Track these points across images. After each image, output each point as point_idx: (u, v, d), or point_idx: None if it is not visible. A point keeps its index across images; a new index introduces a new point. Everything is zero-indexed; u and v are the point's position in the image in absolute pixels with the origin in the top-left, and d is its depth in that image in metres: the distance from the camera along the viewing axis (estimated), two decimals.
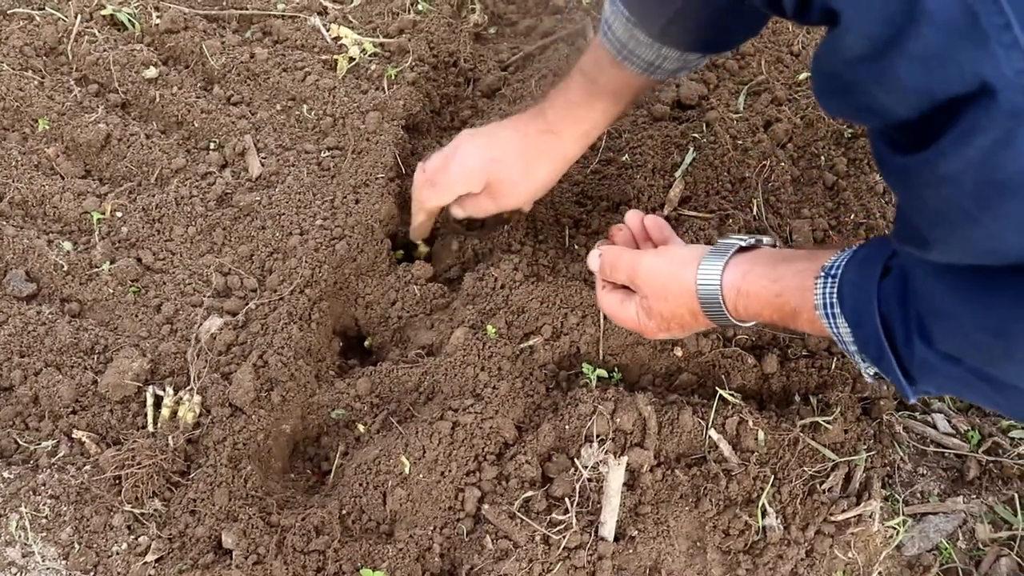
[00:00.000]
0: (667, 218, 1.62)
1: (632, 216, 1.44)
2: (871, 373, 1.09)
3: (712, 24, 1.27)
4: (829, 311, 1.08)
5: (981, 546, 1.35)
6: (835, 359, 1.47)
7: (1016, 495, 1.38)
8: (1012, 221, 0.79)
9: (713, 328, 1.38)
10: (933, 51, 0.76)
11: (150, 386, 1.42)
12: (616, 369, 1.50)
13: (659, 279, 1.29)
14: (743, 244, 1.23)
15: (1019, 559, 1.33)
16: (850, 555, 1.32)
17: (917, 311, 0.96)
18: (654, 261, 1.30)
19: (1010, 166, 0.76)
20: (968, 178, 0.80)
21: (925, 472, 1.41)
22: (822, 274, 1.10)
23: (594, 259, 1.38)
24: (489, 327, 1.47)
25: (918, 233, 0.89)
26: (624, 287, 1.35)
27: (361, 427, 1.44)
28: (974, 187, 0.80)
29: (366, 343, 1.58)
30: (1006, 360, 0.90)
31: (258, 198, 1.58)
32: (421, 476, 1.35)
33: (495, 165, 1.47)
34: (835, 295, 1.08)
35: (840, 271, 1.07)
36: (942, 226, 0.87)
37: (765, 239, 1.26)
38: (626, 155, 1.71)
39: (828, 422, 1.39)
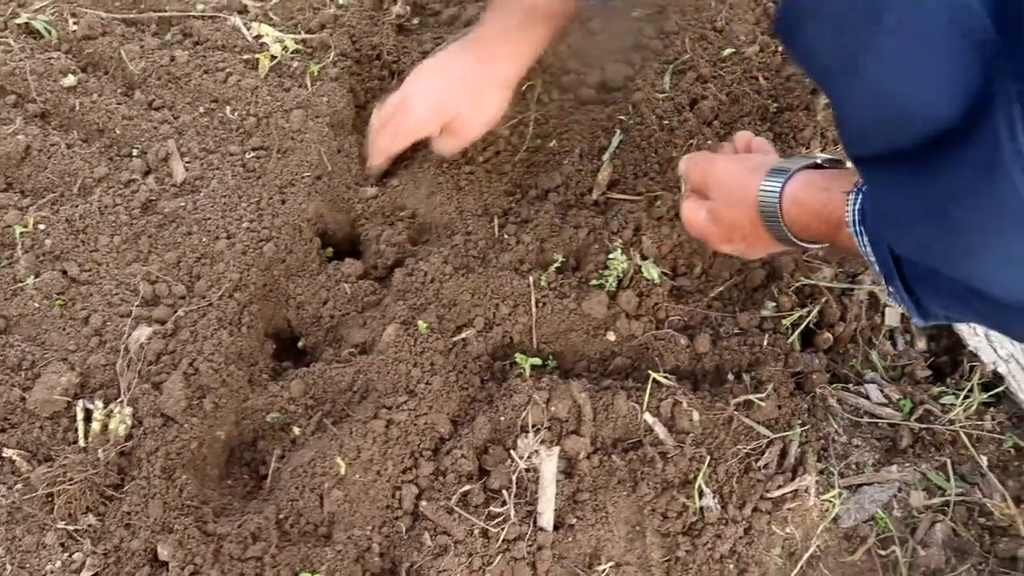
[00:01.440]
0: (595, 203, 1.63)
1: (740, 135, 1.45)
2: (898, 300, 1.04)
3: None
4: (856, 228, 1.05)
5: (916, 514, 1.36)
6: (766, 335, 1.47)
7: (948, 461, 1.39)
8: (888, 58, 0.77)
9: (774, 252, 1.37)
10: None
11: (80, 400, 1.40)
12: (551, 357, 1.50)
13: (728, 183, 1.30)
14: (817, 161, 1.22)
15: (953, 524, 1.35)
16: (788, 530, 1.33)
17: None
18: (727, 165, 1.32)
19: None
20: (836, 8, 0.79)
21: (859, 443, 1.41)
22: (854, 188, 1.06)
23: (682, 163, 1.39)
24: (420, 322, 1.47)
25: (838, 121, 0.88)
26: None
27: (296, 429, 1.43)
28: (845, 19, 0.78)
29: (300, 344, 1.57)
30: (965, 257, 0.84)
31: (183, 203, 1.56)
32: (357, 476, 1.34)
33: (448, 104, 1.55)
34: (860, 211, 1.05)
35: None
36: (831, 86, 0.86)
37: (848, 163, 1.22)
38: (553, 141, 1.70)
39: (761, 399, 1.40)
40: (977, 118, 0.74)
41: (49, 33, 1.76)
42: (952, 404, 1.42)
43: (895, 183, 0.87)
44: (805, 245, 1.24)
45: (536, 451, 1.35)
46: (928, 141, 0.79)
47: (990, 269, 0.84)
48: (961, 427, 1.40)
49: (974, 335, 1.46)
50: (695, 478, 1.34)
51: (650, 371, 1.43)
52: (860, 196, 1.06)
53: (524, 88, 1.76)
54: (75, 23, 1.77)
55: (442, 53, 1.61)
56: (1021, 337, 1.23)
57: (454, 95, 1.55)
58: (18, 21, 1.76)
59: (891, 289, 1.03)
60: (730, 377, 1.46)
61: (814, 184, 1.18)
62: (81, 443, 1.38)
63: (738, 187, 1.27)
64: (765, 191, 1.21)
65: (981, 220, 0.78)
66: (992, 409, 1.43)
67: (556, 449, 1.35)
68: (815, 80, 0.89)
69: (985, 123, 0.73)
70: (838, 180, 1.15)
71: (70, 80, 1.69)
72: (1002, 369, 1.43)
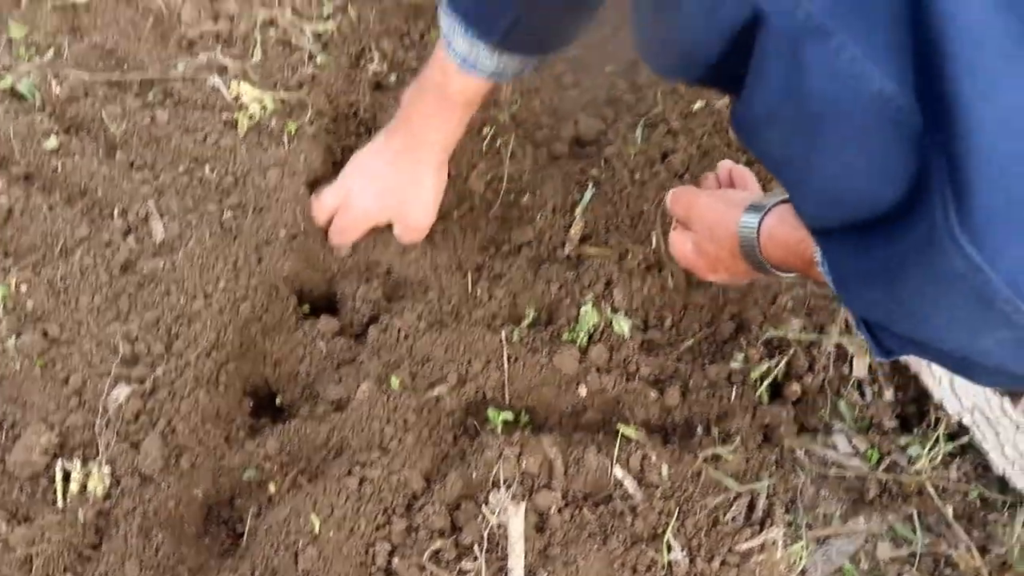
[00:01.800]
0: (568, 257, 1.65)
1: (722, 164, 1.51)
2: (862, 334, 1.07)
3: (548, 28, 1.36)
4: (825, 267, 1.07)
5: (883, 566, 1.38)
6: (734, 388, 1.50)
7: (915, 511, 1.41)
8: (832, 149, 0.81)
9: (758, 278, 1.41)
10: None
11: (59, 460, 1.43)
12: (524, 411, 1.52)
13: (709, 219, 1.35)
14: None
15: (920, 575, 1.37)
16: None
17: None
18: (708, 201, 1.37)
19: (812, 91, 0.78)
20: (784, 115, 0.82)
21: (827, 494, 1.43)
22: None
23: (668, 196, 1.44)
24: (393, 379, 1.49)
25: (792, 202, 0.94)
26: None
27: (272, 487, 1.46)
28: (792, 124, 0.82)
29: (278, 401, 1.60)
30: (911, 319, 0.90)
31: (161, 263, 1.59)
32: (331, 534, 1.36)
33: (387, 193, 1.64)
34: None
35: None
36: (787, 181, 0.91)
37: None
38: (527, 196, 1.73)
39: (729, 452, 1.42)
40: (919, 196, 0.78)
41: (33, 96, 1.79)
42: (918, 455, 1.45)
43: (845, 251, 0.91)
44: (783, 276, 1.30)
45: (505, 509, 1.37)
46: (875, 218, 0.84)
47: (934, 330, 0.89)
48: (927, 477, 1.43)
49: (939, 386, 1.48)
50: (664, 532, 1.36)
51: (620, 425, 1.45)
52: None
53: (498, 144, 1.80)
54: (59, 85, 1.81)
55: (373, 144, 1.68)
56: (979, 383, 1.26)
57: (392, 185, 1.64)
58: (3, 85, 1.79)
59: (863, 332, 1.06)
60: (699, 430, 1.48)
61: (788, 221, 1.23)
62: (59, 504, 1.40)
63: (719, 223, 1.32)
64: (744, 227, 1.27)
65: (923, 289, 0.83)
66: (958, 459, 1.45)
67: (523, 505, 1.36)
68: (770, 171, 0.94)
69: (925, 201, 0.77)
70: None
71: (53, 142, 1.72)
72: (967, 420, 1.45)
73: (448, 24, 1.39)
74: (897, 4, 0.72)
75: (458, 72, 1.45)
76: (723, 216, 1.31)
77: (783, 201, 1.26)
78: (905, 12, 0.72)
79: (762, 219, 1.25)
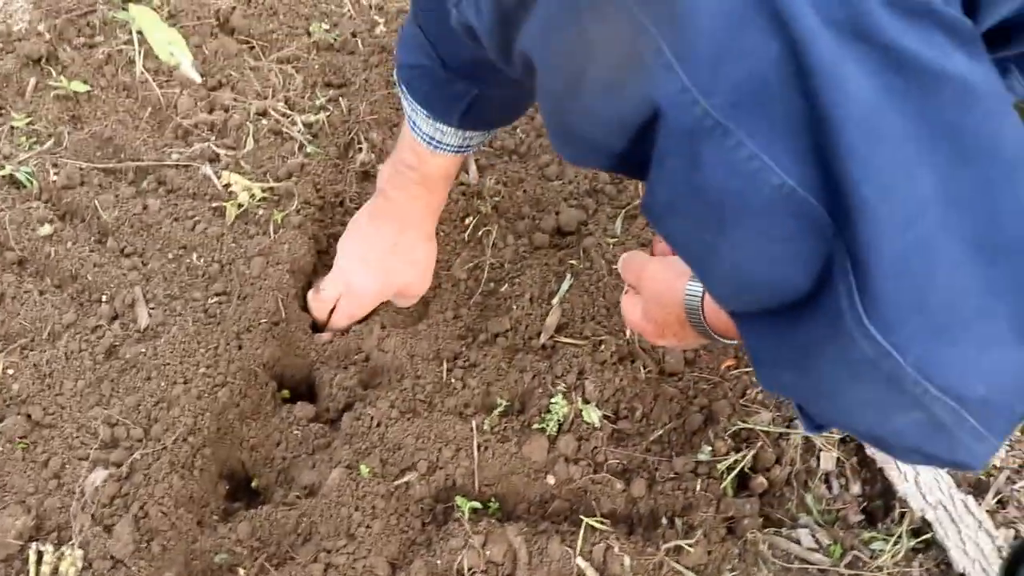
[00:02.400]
0: (543, 346, 1.68)
1: None
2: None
3: (503, 105, 1.45)
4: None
5: None
6: (700, 480, 1.51)
7: None
8: (736, 240, 0.83)
9: (705, 344, 1.42)
10: (611, 79, 0.82)
11: (33, 543, 1.46)
12: (493, 499, 1.54)
13: (657, 286, 1.37)
14: None
15: None
16: None
17: None
18: (657, 268, 1.39)
19: (711, 186, 0.80)
20: (687, 207, 0.84)
21: None
22: None
23: (620, 261, 1.48)
24: (363, 467, 1.52)
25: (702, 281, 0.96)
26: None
27: (242, 571, 1.48)
28: (695, 215, 0.84)
29: (253, 484, 1.62)
30: (824, 400, 0.93)
31: (143, 349, 1.63)
32: None
33: (389, 278, 1.73)
34: None
35: None
36: (696, 266, 0.92)
37: None
38: (506, 285, 1.77)
39: (690, 544, 1.43)
40: (825, 284, 0.81)
41: (31, 183, 1.85)
42: (882, 550, 1.45)
43: (759, 334, 0.94)
44: (728, 343, 1.32)
45: None
46: (785, 304, 0.86)
47: (847, 412, 0.92)
48: (889, 573, 1.43)
49: (904, 481, 1.49)
50: None
51: (583, 516, 1.47)
52: None
53: (480, 234, 1.84)
54: (56, 173, 1.87)
55: (358, 229, 1.76)
56: (900, 460, 1.31)
57: (390, 266, 1.73)
58: (2, 173, 1.85)
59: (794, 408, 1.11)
60: (664, 521, 1.49)
61: None
62: None
63: (666, 290, 1.35)
64: (689, 296, 1.29)
65: (833, 373, 0.86)
66: (921, 555, 1.45)
67: None
68: (682, 257, 0.96)
69: (831, 289, 0.80)
70: None
71: (47, 229, 1.78)
72: (930, 516, 1.46)
73: (409, 108, 1.46)
74: (794, 102, 0.74)
75: (429, 152, 1.53)
76: (671, 284, 1.33)
77: None
78: (802, 110, 0.74)
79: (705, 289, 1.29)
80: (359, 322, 1.78)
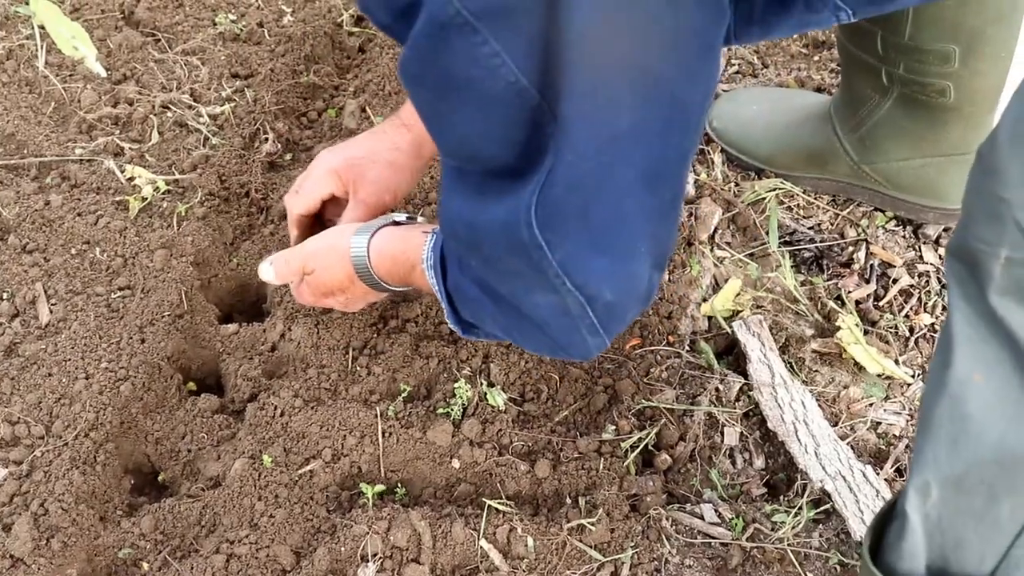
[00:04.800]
0: (451, 332, 1.68)
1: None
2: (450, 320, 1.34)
3: None
4: (428, 264, 1.31)
5: None
6: (603, 459, 1.52)
7: None
8: (469, 118, 0.98)
9: (374, 300, 1.58)
10: None
11: None
12: (399, 484, 1.54)
13: (321, 253, 1.48)
14: (396, 219, 1.47)
15: None
16: None
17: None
18: (315, 242, 1.50)
19: (454, 71, 0.93)
20: (430, 80, 0.97)
21: (691, 563, 1.45)
22: (431, 231, 1.34)
23: (266, 269, 1.54)
24: (265, 457, 1.51)
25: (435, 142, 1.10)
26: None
27: (145, 565, 1.47)
28: (436, 89, 0.98)
29: (160, 478, 1.61)
30: (473, 252, 1.14)
31: (44, 346, 1.62)
32: None
33: (356, 161, 1.57)
34: (433, 247, 1.31)
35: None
36: (431, 128, 1.07)
37: (420, 218, 1.52)
38: None
39: (593, 523, 1.44)
40: (525, 170, 0.99)
41: None
42: (783, 522, 1.47)
43: (461, 187, 1.09)
44: (394, 289, 1.46)
45: None
46: (492, 170, 1.03)
47: (492, 277, 1.15)
48: (789, 545, 1.45)
49: (804, 453, 1.51)
50: None
51: (487, 498, 1.47)
52: (435, 236, 1.32)
53: None
54: None
55: None
56: (529, 348, 1.40)
57: (363, 153, 1.57)
58: None
59: (446, 310, 1.32)
60: (568, 501, 1.50)
61: (395, 236, 1.42)
62: None
63: (331, 250, 1.46)
64: (355, 247, 1.42)
65: (499, 240, 1.05)
66: (820, 526, 1.47)
67: None
68: (422, 119, 1.08)
69: (527, 177, 0.99)
70: (413, 231, 1.41)
71: None
72: (829, 487, 1.48)
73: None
74: (536, 14, 0.87)
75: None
76: (335, 243, 1.45)
77: (387, 224, 1.44)
78: (542, 22, 0.87)
79: (371, 238, 1.41)
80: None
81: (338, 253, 1.44)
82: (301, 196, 1.59)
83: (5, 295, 1.70)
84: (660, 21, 0.91)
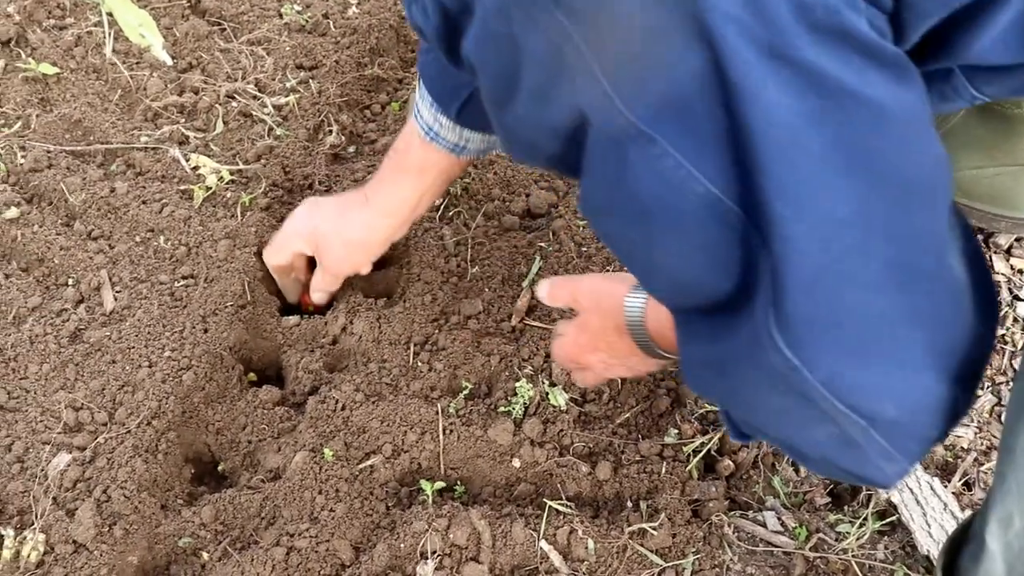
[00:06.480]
0: (513, 329, 1.67)
1: None
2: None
3: None
4: None
5: None
6: (665, 463, 1.50)
7: None
8: (667, 245, 0.86)
9: (635, 364, 1.41)
10: (540, 85, 0.85)
11: None
12: (458, 482, 1.53)
13: (596, 293, 1.37)
14: None
15: None
16: None
17: None
18: (595, 278, 1.42)
19: (639, 191, 0.82)
20: (618, 209, 0.86)
21: (754, 571, 1.43)
22: None
23: (543, 288, 1.45)
24: (327, 450, 1.51)
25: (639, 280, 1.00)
26: None
27: (205, 555, 1.47)
28: (626, 217, 0.86)
29: (220, 468, 1.62)
30: (741, 405, 0.97)
31: (108, 333, 1.62)
32: None
33: (321, 233, 1.62)
34: None
35: None
36: (629, 263, 0.96)
37: None
38: (476, 267, 1.76)
39: (655, 527, 1.43)
40: (748, 291, 0.84)
41: None
42: (847, 532, 1.45)
43: (694, 332, 0.95)
44: (667, 356, 1.31)
45: None
46: (715, 305, 0.88)
47: (764, 419, 0.96)
48: (853, 556, 1.43)
49: None
50: None
51: (547, 499, 1.46)
52: None
53: (451, 215, 1.83)
54: (23, 156, 1.86)
55: (335, 194, 1.73)
56: (812, 471, 1.34)
57: (324, 222, 1.63)
58: None
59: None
60: (629, 504, 1.49)
61: None
62: None
63: (605, 296, 1.34)
64: (630, 304, 1.29)
65: (752, 380, 0.88)
66: (886, 538, 1.45)
67: None
68: (617, 256, 0.98)
69: (752, 297, 0.83)
70: None
71: (13, 212, 1.77)
72: (896, 498, 1.45)
73: (418, 92, 1.45)
74: (716, 115, 0.76)
75: (421, 142, 1.49)
76: (611, 290, 1.33)
77: None
78: (723, 123, 0.76)
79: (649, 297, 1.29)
80: (325, 308, 1.78)
81: (612, 298, 1.31)
82: (274, 249, 1.69)
83: (71, 281, 1.71)
84: None
